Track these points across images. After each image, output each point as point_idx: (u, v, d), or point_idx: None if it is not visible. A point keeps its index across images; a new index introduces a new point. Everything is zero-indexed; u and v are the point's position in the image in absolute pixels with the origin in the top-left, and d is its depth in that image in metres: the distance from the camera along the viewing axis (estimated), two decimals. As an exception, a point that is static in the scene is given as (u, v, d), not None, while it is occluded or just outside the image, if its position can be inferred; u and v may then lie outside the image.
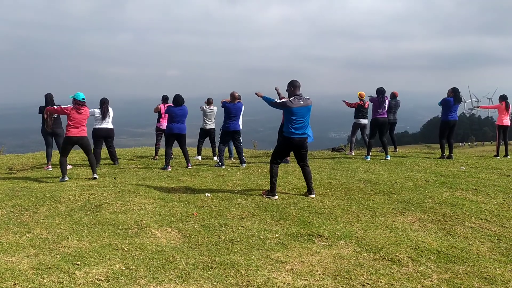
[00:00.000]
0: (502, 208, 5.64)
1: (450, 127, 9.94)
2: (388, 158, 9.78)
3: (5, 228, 4.72)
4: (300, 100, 6.01)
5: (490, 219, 5.20)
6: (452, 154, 10.04)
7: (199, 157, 10.63)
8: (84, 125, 7.74)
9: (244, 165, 9.10)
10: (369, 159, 9.84)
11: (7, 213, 5.36)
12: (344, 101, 11.20)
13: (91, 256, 3.93)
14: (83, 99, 7.63)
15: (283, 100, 6.08)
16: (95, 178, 7.67)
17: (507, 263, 3.99)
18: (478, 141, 66.58)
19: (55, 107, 7.89)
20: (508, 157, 10.40)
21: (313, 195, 6.16)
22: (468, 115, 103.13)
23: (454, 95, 9.78)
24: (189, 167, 8.95)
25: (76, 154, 11.30)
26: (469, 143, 63.68)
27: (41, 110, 9.08)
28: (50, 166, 9.23)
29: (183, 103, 9.00)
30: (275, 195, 6.09)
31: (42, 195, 6.19)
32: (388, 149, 10.47)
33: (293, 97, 6.02)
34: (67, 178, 7.53)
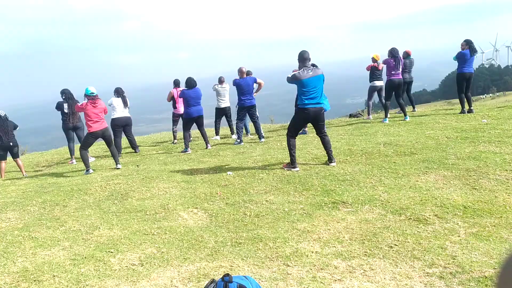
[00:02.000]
0: (527, 157, 5.55)
1: (467, 79, 9.70)
2: (407, 119, 9.64)
3: (38, 224, 4.90)
4: (309, 70, 6.00)
5: (515, 169, 5.12)
6: (472, 108, 9.83)
7: (218, 137, 10.69)
8: (103, 118, 7.85)
9: (262, 140, 9.13)
10: (387, 121, 9.73)
11: (38, 209, 5.54)
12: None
13: (123, 243, 4.07)
14: (92, 93, 7.71)
15: (293, 73, 6.07)
16: (118, 168, 7.83)
17: (535, 212, 3.95)
18: (500, 92, 64.83)
19: (79, 104, 7.98)
20: (531, 104, 10.15)
21: (334, 164, 6.17)
22: (487, 66, 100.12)
23: (469, 47, 9.50)
24: (209, 147, 9.03)
25: (98, 146, 11.51)
26: (490, 95, 62.09)
27: (59, 105, 9.23)
28: (74, 160, 9.45)
29: (196, 85, 9.01)
30: (296, 167, 6.12)
31: (70, 189, 6.36)
32: (407, 109, 10.32)
33: (302, 69, 6.01)
34: (92, 171, 7.71)
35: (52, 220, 5.00)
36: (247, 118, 9.64)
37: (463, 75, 9.65)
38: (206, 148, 9.05)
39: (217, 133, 10.88)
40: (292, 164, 6.18)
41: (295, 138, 6.35)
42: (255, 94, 9.54)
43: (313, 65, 6.11)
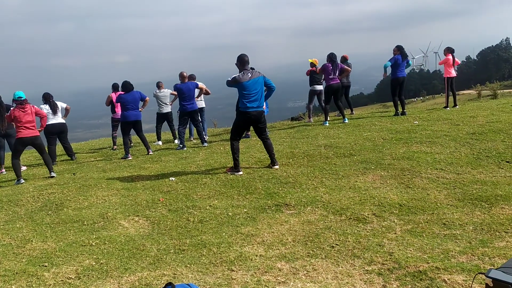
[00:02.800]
0: (454, 156, 5.94)
1: (400, 84, 10.24)
2: (346, 121, 9.99)
3: (-37, 240, 4.51)
4: (248, 73, 6.07)
5: (444, 168, 5.46)
6: (405, 110, 10.38)
7: (160, 142, 10.48)
8: (34, 124, 7.39)
9: (205, 144, 9.05)
10: (327, 124, 10.02)
11: (-37, 224, 5.11)
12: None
13: (58, 255, 3.85)
14: (19, 97, 7.27)
15: (232, 76, 6.09)
16: (52, 176, 7.42)
17: (463, 207, 4.23)
18: (429, 95, 68.93)
19: (7, 114, 7.40)
20: (457, 107, 10.87)
21: (276, 166, 6.24)
22: (417, 71, 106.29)
23: (401, 52, 10.04)
24: (150, 153, 8.81)
25: (30, 154, 10.85)
26: (421, 98, 65.89)
27: None
28: (3, 170, 8.84)
29: (133, 89, 8.78)
30: (239, 171, 6.13)
31: (-1, 200, 5.94)
32: (345, 112, 10.69)
33: (241, 72, 6.05)
34: (23, 181, 7.24)
35: (-22, 235, 4.63)
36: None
37: (397, 79, 10.18)
38: (148, 153, 8.82)
39: (158, 138, 10.66)
40: (235, 168, 6.17)
41: (239, 142, 6.37)
42: (197, 98, 9.45)
43: (252, 68, 6.18)
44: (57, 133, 9.20)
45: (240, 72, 6.10)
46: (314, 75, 10.97)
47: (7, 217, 5.22)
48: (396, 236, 3.69)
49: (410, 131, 7.87)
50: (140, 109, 8.87)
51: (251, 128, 7.11)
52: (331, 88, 9.94)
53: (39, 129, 7.58)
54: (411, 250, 3.40)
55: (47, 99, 9.11)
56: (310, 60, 11.13)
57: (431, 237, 3.63)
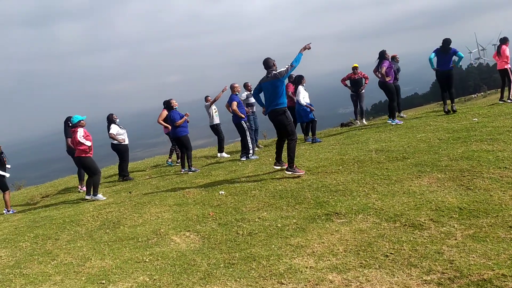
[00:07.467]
0: (519, 153, 5.50)
1: (445, 78, 9.68)
2: (398, 123, 9.60)
3: (30, 260, 4.78)
4: (268, 75, 6.44)
5: (509, 166, 5.07)
6: (454, 105, 9.80)
7: (224, 154, 10.46)
8: (81, 145, 7.64)
9: (244, 159, 8.98)
10: (398, 122, 9.66)
11: (30, 245, 5.44)
12: (343, 83, 11.45)
13: (115, 272, 3.97)
14: (79, 121, 7.67)
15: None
16: (100, 199, 7.62)
17: (531, 208, 3.89)
18: (490, 90, 65.04)
19: (84, 143, 7.70)
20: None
21: (285, 166, 6.57)
22: (476, 65, 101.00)
23: (441, 46, 9.62)
24: (193, 171, 8.77)
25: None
26: (482, 93, 62.36)
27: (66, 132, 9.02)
28: (83, 187, 9.15)
29: (173, 108, 9.18)
30: (276, 164, 6.87)
31: (62, 221, 6.26)
32: (397, 114, 10.33)
33: (264, 76, 6.52)
34: (100, 195, 7.68)
35: (44, 255, 4.89)
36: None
37: (436, 72, 9.80)
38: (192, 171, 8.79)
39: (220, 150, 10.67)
40: (276, 160, 6.82)
41: (282, 142, 6.76)
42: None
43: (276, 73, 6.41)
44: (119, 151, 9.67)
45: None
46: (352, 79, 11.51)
47: (69, 236, 5.47)
48: (457, 242, 3.44)
49: (469, 129, 7.42)
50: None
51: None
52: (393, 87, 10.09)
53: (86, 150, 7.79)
54: (474, 257, 3.15)
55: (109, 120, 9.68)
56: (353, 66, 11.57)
57: (496, 242, 3.35)
